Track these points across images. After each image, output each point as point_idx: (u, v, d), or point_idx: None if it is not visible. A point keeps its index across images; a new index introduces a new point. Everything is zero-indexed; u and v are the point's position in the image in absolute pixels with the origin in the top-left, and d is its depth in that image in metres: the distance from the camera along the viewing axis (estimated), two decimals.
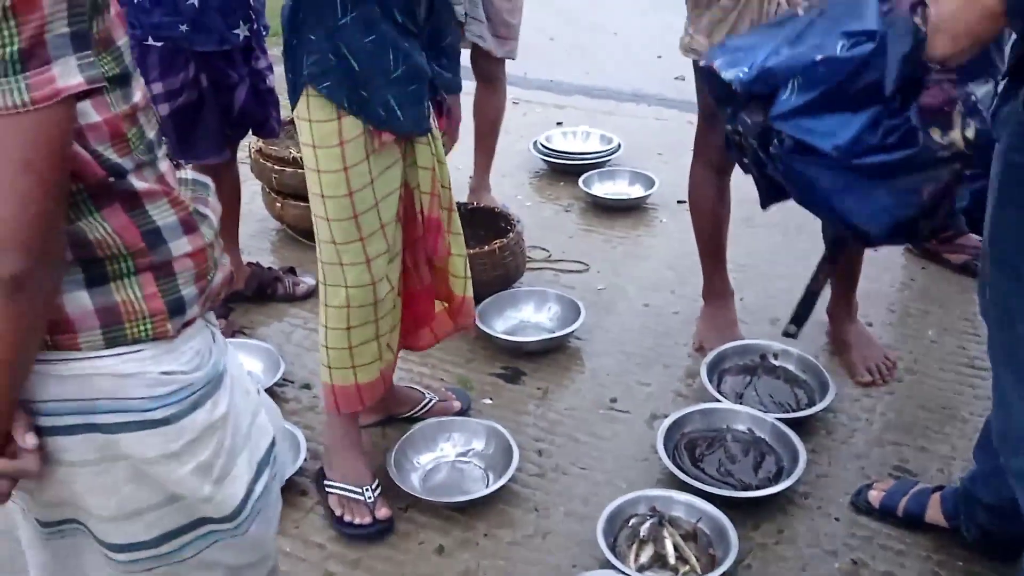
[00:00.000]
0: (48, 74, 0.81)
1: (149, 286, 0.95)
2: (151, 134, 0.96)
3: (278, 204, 3.03)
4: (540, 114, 4.10)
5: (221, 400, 1.02)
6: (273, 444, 1.13)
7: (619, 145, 3.59)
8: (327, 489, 1.98)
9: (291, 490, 2.01)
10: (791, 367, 2.33)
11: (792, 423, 2.11)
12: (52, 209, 0.85)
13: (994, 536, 1.78)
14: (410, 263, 1.91)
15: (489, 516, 1.96)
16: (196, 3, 2.14)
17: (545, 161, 3.54)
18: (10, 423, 0.93)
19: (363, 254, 1.77)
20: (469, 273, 2.00)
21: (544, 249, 2.98)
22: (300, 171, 2.91)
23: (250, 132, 2.53)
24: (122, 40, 0.91)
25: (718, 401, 2.19)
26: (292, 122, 2.48)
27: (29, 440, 0.93)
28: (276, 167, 2.96)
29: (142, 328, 0.95)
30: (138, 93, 0.94)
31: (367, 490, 1.95)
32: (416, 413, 2.21)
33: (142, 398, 0.96)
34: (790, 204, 1.87)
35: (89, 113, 0.88)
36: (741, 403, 2.21)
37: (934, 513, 1.88)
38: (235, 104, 2.37)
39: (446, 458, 2.09)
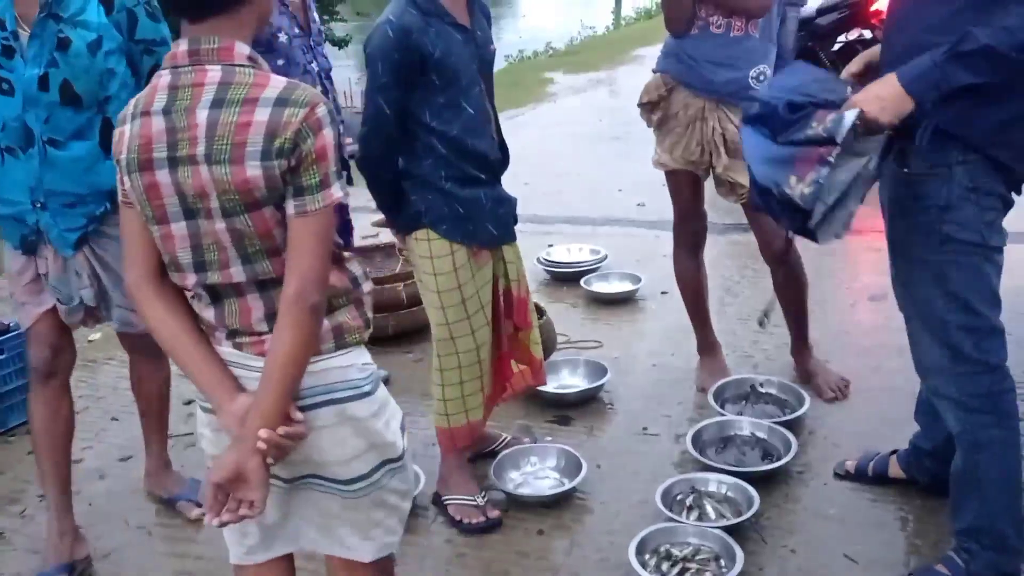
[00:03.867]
0: (329, 191, 1.48)
1: (353, 311, 1.60)
2: None
3: None
4: (532, 240, 4.90)
5: (382, 385, 1.66)
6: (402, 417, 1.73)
7: (605, 255, 4.42)
8: (446, 503, 2.60)
9: (413, 511, 2.62)
10: (774, 391, 3.06)
11: (784, 425, 2.82)
12: (329, 264, 1.51)
13: (938, 476, 2.46)
14: (503, 331, 2.61)
15: (572, 507, 2.61)
16: None
17: (547, 272, 4.33)
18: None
19: (469, 327, 2.47)
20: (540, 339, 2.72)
21: (564, 335, 3.71)
22: None
23: None
24: None
25: (724, 416, 2.90)
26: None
27: (298, 414, 1.51)
28: None
29: (354, 337, 1.59)
30: None
31: (478, 497, 2.58)
32: (497, 447, 2.86)
33: (358, 378, 1.58)
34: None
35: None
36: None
37: (895, 469, 2.58)
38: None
39: (530, 474, 2.75)
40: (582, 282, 4.13)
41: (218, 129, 1.42)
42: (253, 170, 1.41)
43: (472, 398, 2.54)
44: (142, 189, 1.47)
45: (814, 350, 3.22)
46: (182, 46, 1.46)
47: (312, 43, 2.90)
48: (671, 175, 3.08)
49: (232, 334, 1.55)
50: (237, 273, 1.49)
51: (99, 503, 2.80)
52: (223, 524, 1.48)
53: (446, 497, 2.61)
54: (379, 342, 3.70)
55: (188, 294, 1.58)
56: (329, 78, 2.96)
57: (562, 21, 19.33)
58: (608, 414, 3.14)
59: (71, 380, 2.61)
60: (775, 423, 2.83)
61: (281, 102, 1.42)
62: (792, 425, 2.86)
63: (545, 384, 2.85)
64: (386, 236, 4.56)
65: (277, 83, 1.45)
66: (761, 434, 2.80)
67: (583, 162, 6.51)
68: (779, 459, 2.68)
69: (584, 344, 3.64)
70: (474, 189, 2.41)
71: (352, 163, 3.03)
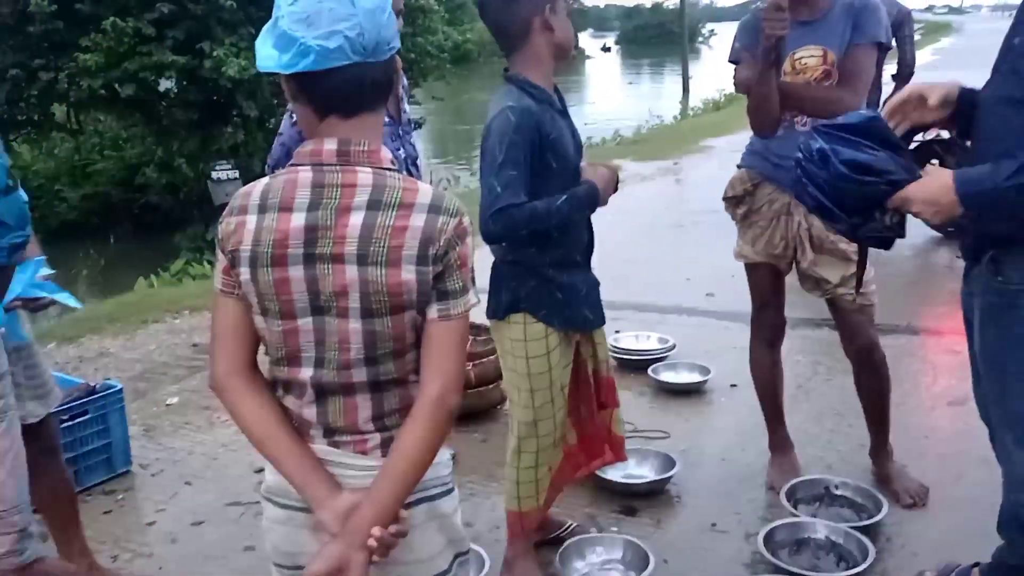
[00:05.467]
0: (468, 296, 1.53)
1: None
2: None
3: None
4: None
5: None
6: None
7: (674, 344, 4.40)
8: None
9: None
10: (850, 494, 2.98)
11: (860, 530, 2.74)
12: (465, 368, 1.55)
13: None
14: (585, 413, 2.64)
15: None
16: None
17: (614, 358, 4.32)
18: None
19: (552, 410, 2.50)
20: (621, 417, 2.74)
21: (630, 423, 3.69)
22: None
23: None
24: None
25: (799, 517, 2.83)
26: None
27: (404, 512, 1.48)
28: None
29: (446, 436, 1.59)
30: None
31: None
32: (562, 534, 2.84)
33: (444, 475, 1.61)
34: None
35: None
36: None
37: None
38: None
39: (596, 565, 2.71)
40: (650, 371, 4.12)
41: (375, 231, 1.42)
42: (408, 274, 1.43)
43: (544, 481, 2.55)
44: (271, 283, 1.45)
45: (893, 454, 3.14)
46: (328, 145, 1.46)
47: (401, 131, 3.02)
48: (752, 268, 3.08)
49: (330, 432, 1.52)
50: (358, 374, 1.48)
51: (169, 567, 2.84)
52: None
53: None
54: None
55: (278, 389, 1.54)
56: (416, 164, 3.07)
57: (630, 109, 19.69)
58: (676, 508, 3.09)
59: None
60: (852, 528, 2.75)
61: (434, 209, 1.45)
62: (869, 531, 2.78)
63: (626, 460, 2.85)
64: None
65: (425, 189, 1.48)
66: (837, 538, 2.73)
67: (651, 250, 6.55)
68: (855, 566, 2.60)
69: (651, 434, 3.61)
70: (572, 274, 2.46)
71: None
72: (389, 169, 1.48)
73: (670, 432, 3.63)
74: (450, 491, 1.60)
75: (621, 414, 2.75)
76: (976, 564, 2.51)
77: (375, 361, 1.47)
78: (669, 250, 6.50)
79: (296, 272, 1.44)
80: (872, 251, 2.96)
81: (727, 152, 10.89)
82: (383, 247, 1.42)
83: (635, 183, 9.56)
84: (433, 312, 1.46)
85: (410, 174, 3.02)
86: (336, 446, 1.52)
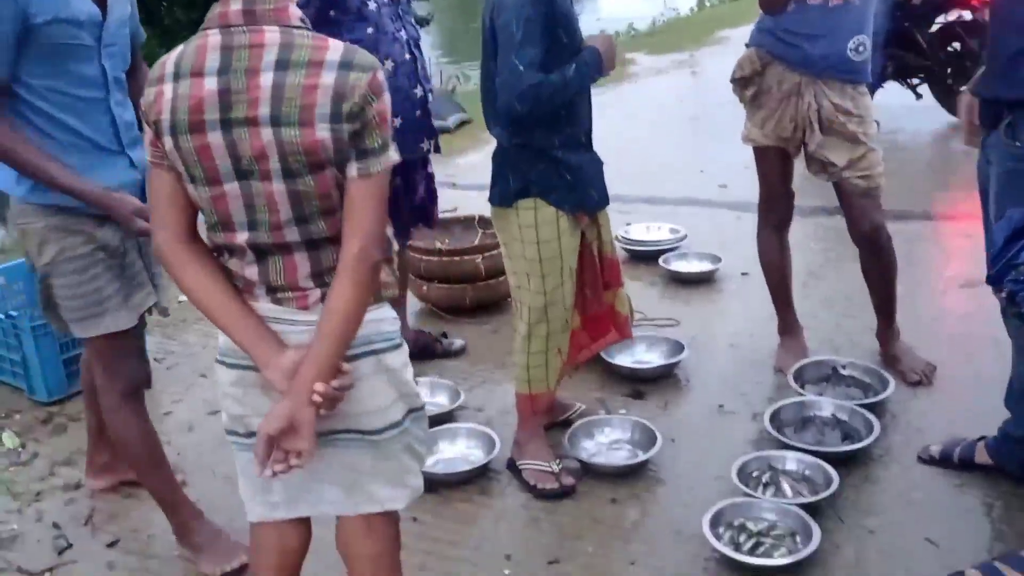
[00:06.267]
0: (388, 153, 1.51)
1: (386, 269, 1.61)
2: None
3: (424, 287, 3.79)
4: (611, 218, 4.88)
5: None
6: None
7: (685, 235, 4.37)
8: (521, 468, 2.63)
9: (488, 475, 2.68)
10: (857, 374, 3.00)
11: (866, 408, 2.76)
12: (385, 224, 1.54)
13: None
14: (591, 294, 2.64)
15: (645, 479, 2.62)
16: (399, 125, 2.96)
17: (625, 250, 4.30)
18: None
19: (562, 294, 2.51)
20: (627, 297, 2.75)
21: (640, 312, 3.69)
22: (443, 259, 3.72)
23: None
24: None
25: (804, 396, 2.85)
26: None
27: (346, 366, 1.54)
28: (424, 256, 3.74)
29: (388, 292, 1.63)
30: None
31: (553, 464, 2.61)
32: (571, 416, 2.88)
33: (390, 331, 1.62)
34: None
35: None
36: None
37: (982, 456, 2.51)
38: (415, 199, 3.16)
39: (604, 444, 2.76)
40: (660, 261, 4.10)
41: (285, 91, 1.41)
42: (322, 132, 1.42)
43: (554, 363, 2.58)
44: (192, 151, 1.46)
45: (901, 335, 3.14)
46: (233, 5, 1.44)
47: (400, 12, 2.94)
48: (760, 151, 3.02)
49: (272, 290, 1.57)
50: (291, 233, 1.51)
51: (187, 454, 2.92)
52: (275, 475, 1.52)
53: (521, 462, 2.64)
54: (456, 312, 3.76)
55: (222, 253, 1.58)
56: (418, 47, 3.00)
57: (645, 2, 19.09)
58: (684, 391, 3.12)
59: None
60: (857, 405, 2.78)
61: (345, 66, 1.44)
62: (875, 408, 2.80)
63: (631, 337, 2.87)
64: (464, 209, 4.61)
65: (336, 46, 1.46)
66: (842, 415, 2.75)
67: (664, 143, 6.44)
68: (860, 441, 2.63)
69: (661, 322, 3.62)
70: (579, 155, 2.44)
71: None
72: (297, 27, 1.46)
73: (680, 320, 3.64)
74: (397, 346, 1.63)
75: (626, 293, 2.75)
76: (982, 438, 2.54)
77: (305, 220, 1.50)
78: (683, 143, 6.39)
79: (215, 138, 1.44)
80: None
81: (744, 43, 10.55)
82: (295, 107, 1.41)
83: (650, 76, 9.36)
84: (353, 170, 1.47)
85: (413, 56, 2.95)
86: (279, 303, 1.57)
